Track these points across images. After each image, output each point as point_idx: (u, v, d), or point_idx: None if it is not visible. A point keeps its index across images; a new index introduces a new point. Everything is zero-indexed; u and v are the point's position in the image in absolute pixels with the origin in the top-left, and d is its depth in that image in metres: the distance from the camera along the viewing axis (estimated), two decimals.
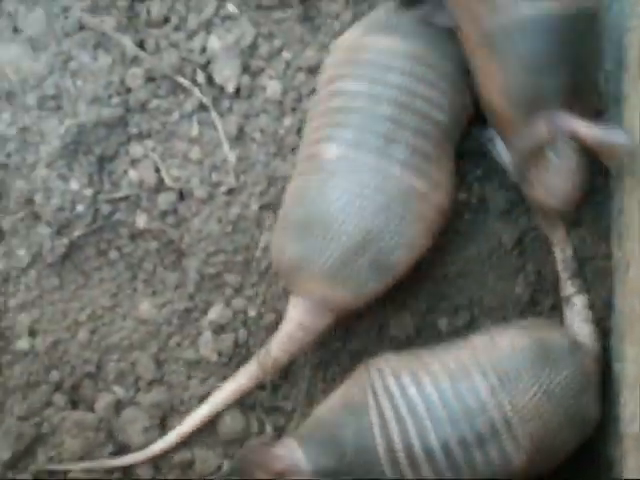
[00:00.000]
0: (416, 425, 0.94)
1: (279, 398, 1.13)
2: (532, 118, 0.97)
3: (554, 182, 0.99)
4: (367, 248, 0.98)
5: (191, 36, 1.14)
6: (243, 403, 1.11)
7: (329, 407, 1.02)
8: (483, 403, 0.94)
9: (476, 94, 1.03)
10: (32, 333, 1.13)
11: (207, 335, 1.13)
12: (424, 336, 1.12)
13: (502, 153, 1.06)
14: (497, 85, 0.98)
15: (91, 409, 1.12)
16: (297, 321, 1.03)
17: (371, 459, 0.96)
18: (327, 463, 0.97)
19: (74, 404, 1.13)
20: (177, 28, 1.15)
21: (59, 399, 1.12)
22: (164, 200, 1.13)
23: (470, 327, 1.12)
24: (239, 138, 1.13)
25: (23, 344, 1.13)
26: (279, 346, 1.05)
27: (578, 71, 0.96)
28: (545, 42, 0.94)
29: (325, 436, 0.99)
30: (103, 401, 1.12)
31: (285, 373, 1.12)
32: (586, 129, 0.95)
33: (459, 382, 0.96)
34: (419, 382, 0.96)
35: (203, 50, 1.14)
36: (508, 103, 0.98)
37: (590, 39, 0.98)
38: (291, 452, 0.98)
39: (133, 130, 1.14)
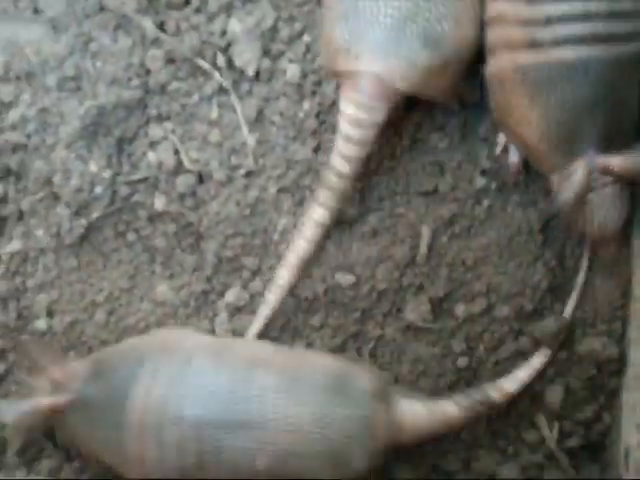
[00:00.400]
0: (180, 393, 0.96)
1: None
2: (569, 159, 0.96)
3: (598, 217, 0.99)
4: (416, 16, 0.97)
5: (212, 19, 1.14)
6: None
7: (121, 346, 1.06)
8: (254, 396, 0.96)
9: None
10: (50, 313, 1.14)
11: (223, 317, 1.13)
12: (441, 322, 1.12)
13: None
14: (534, 125, 0.97)
15: None
16: (352, 117, 1.01)
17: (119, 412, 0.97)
18: (94, 393, 0.99)
19: None
20: (198, 10, 1.14)
21: None
22: (183, 182, 1.13)
23: (487, 314, 1.12)
24: (258, 121, 1.13)
25: (41, 324, 1.14)
26: (338, 154, 1.04)
27: (618, 114, 0.95)
28: (585, 86, 0.93)
29: (103, 368, 1.01)
30: None
31: None
32: (619, 161, 0.94)
33: (244, 370, 0.98)
34: (204, 357, 0.99)
35: (223, 33, 1.13)
36: (546, 144, 0.98)
37: (632, 83, 0.96)
38: (72, 369, 1.02)
39: (152, 112, 1.13)
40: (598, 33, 0.92)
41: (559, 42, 0.93)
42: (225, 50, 1.13)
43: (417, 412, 1.01)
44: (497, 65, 0.99)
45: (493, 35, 1.00)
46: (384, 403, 1.00)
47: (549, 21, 0.92)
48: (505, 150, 1.09)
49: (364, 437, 0.97)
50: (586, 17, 0.91)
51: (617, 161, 0.95)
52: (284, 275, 1.10)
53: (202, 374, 0.98)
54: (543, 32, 0.93)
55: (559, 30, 0.92)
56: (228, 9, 1.14)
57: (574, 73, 0.93)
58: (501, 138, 1.09)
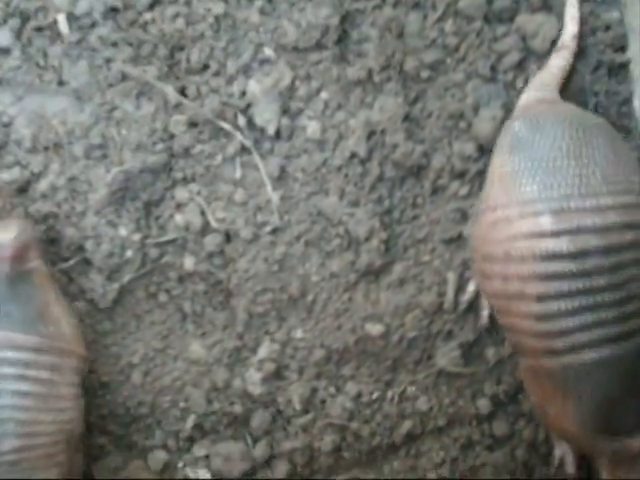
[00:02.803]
0: None
1: None
2: (612, 443, 0.98)
3: None
4: None
5: (230, 81, 1.16)
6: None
7: None
8: None
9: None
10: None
11: (256, 373, 1.15)
12: (472, 366, 1.14)
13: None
14: (571, 417, 0.99)
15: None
16: None
17: None
18: None
19: None
20: (217, 74, 1.17)
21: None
22: (210, 242, 1.15)
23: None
24: (281, 178, 1.15)
25: None
26: None
27: None
28: (609, 380, 0.96)
29: None
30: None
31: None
32: None
33: None
34: None
35: (243, 94, 1.16)
36: (587, 433, 0.99)
37: None
38: None
39: (178, 175, 1.16)
40: (610, 335, 0.94)
41: (575, 349, 0.95)
42: (245, 111, 1.16)
43: None
44: (526, 364, 1.02)
45: (512, 340, 1.03)
46: None
47: (562, 333, 0.95)
48: (561, 463, 1.11)
49: None
50: (598, 324, 0.94)
51: None
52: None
53: None
54: (558, 342, 0.95)
55: (573, 339, 0.95)
56: (246, 71, 1.17)
57: (596, 371, 0.95)
58: (557, 451, 1.12)
